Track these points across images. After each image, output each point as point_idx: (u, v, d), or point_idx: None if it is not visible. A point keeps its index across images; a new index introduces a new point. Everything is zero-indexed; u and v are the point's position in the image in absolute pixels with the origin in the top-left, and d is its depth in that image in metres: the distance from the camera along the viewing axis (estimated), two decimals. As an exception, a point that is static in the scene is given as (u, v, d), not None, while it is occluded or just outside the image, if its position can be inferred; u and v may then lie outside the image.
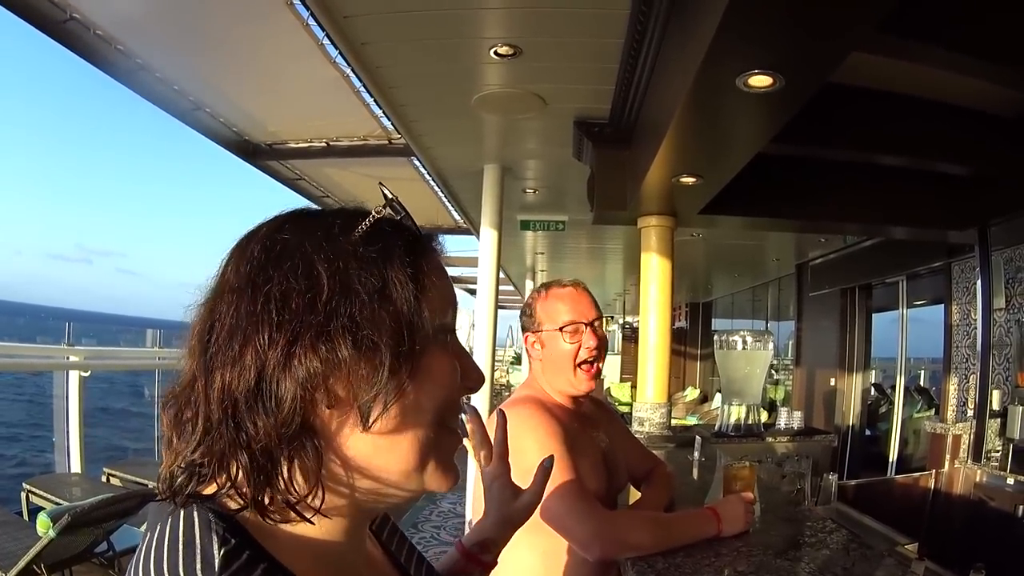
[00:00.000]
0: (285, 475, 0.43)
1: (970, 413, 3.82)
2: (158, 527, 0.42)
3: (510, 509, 0.77)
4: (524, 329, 1.41)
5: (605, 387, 9.18)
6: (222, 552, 0.39)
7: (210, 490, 0.44)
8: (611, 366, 10.54)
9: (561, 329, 1.33)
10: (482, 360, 3.73)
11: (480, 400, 3.35)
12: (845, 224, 4.00)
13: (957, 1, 1.93)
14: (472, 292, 5.91)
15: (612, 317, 10.87)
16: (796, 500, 1.86)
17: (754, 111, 1.93)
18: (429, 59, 2.55)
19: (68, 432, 4.58)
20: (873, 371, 5.89)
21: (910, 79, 2.36)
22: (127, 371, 7.55)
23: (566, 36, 2.35)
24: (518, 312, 1.51)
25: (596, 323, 1.36)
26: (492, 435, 0.78)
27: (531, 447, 1.15)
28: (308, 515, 0.44)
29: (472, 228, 5.43)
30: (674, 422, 3.88)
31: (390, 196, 0.51)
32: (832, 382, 5.96)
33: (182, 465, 0.44)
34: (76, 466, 4.54)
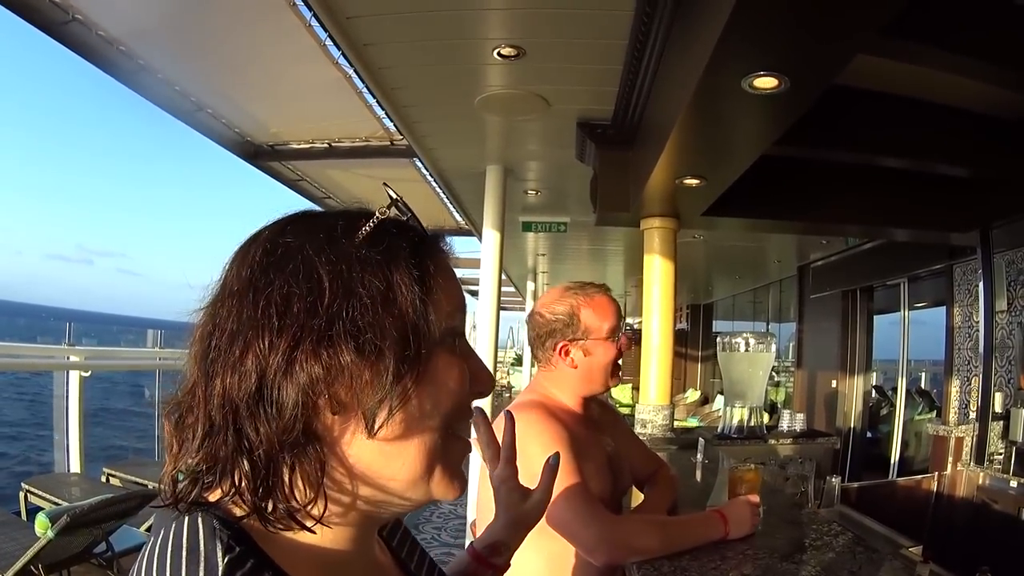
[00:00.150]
0: (286, 482, 0.42)
1: (972, 415, 3.82)
2: (162, 532, 0.42)
3: (520, 511, 0.76)
4: (558, 337, 1.33)
5: (606, 389, 9.17)
6: (226, 560, 0.39)
7: (215, 496, 0.44)
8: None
9: (608, 337, 1.34)
10: (484, 362, 3.72)
11: (481, 402, 3.34)
12: (847, 226, 4.01)
13: (960, 4, 1.92)
14: (474, 294, 5.91)
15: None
16: (799, 503, 1.86)
17: (759, 113, 1.92)
18: (432, 60, 2.55)
19: (68, 432, 4.58)
20: (874, 373, 5.89)
21: (912, 81, 2.35)
22: (128, 371, 7.55)
23: (569, 37, 2.35)
24: (518, 313, 1.49)
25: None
26: (499, 439, 0.78)
27: (537, 452, 1.15)
28: (309, 524, 0.43)
29: (474, 229, 5.43)
30: (675, 424, 3.87)
31: (395, 197, 0.50)
32: (833, 384, 5.96)
33: (184, 470, 0.44)
34: (75, 466, 4.54)
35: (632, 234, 3.91)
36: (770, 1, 1.38)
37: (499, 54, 2.41)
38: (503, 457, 0.77)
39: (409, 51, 2.48)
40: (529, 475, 0.80)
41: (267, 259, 0.45)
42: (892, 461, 5.19)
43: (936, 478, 3.44)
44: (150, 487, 3.64)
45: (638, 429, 3.29)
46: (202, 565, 0.39)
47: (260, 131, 3.96)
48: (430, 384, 0.46)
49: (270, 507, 0.42)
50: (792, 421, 4.22)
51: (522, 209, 4.71)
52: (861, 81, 2.31)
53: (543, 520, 0.84)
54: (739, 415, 3.90)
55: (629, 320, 11.95)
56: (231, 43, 3.00)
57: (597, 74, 2.63)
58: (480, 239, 4.13)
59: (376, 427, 0.44)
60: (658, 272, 3.42)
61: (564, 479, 1.14)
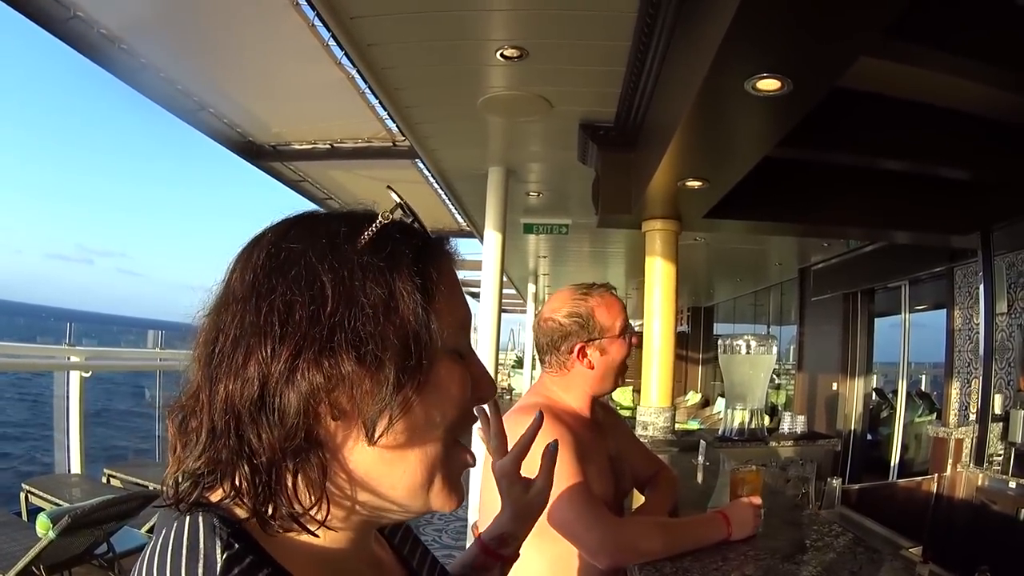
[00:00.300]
0: (289, 487, 0.43)
1: (972, 417, 3.82)
2: (164, 531, 0.42)
3: (523, 502, 0.78)
4: (574, 340, 1.32)
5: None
6: (224, 556, 0.39)
7: (216, 496, 0.44)
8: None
9: (620, 335, 1.35)
10: (485, 364, 3.72)
11: (482, 403, 3.34)
12: (848, 228, 4.01)
13: (962, 6, 1.93)
14: (475, 296, 5.91)
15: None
16: (801, 504, 1.86)
17: (761, 114, 1.93)
18: (435, 61, 2.55)
19: (68, 432, 4.58)
20: (875, 375, 5.89)
21: (914, 83, 2.36)
22: (128, 372, 7.54)
23: (573, 38, 2.35)
24: (519, 315, 1.49)
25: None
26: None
27: (538, 454, 1.15)
28: (312, 528, 0.44)
29: (475, 231, 5.43)
30: (676, 426, 3.88)
31: (399, 200, 0.50)
32: (834, 386, 5.96)
33: (186, 473, 0.44)
34: (76, 467, 4.53)
35: (633, 236, 3.91)
36: (772, 2, 1.39)
37: (502, 55, 2.41)
38: (512, 453, 0.78)
39: (412, 52, 2.48)
40: (532, 476, 0.81)
41: (270, 263, 0.45)
42: (892, 463, 5.19)
43: (936, 479, 3.45)
44: (151, 488, 3.63)
45: (639, 431, 3.28)
46: (201, 562, 0.39)
47: (262, 131, 3.96)
48: (432, 392, 0.46)
49: (272, 510, 0.43)
50: (793, 423, 4.23)
51: (524, 211, 4.72)
52: (862, 83, 2.31)
53: (546, 522, 0.85)
54: (740, 417, 3.90)
55: (631, 322, 11.95)
56: (234, 43, 3.00)
57: (600, 76, 2.63)
58: (481, 241, 4.13)
59: (376, 435, 0.44)
60: (659, 274, 3.42)
61: (567, 481, 1.14)
